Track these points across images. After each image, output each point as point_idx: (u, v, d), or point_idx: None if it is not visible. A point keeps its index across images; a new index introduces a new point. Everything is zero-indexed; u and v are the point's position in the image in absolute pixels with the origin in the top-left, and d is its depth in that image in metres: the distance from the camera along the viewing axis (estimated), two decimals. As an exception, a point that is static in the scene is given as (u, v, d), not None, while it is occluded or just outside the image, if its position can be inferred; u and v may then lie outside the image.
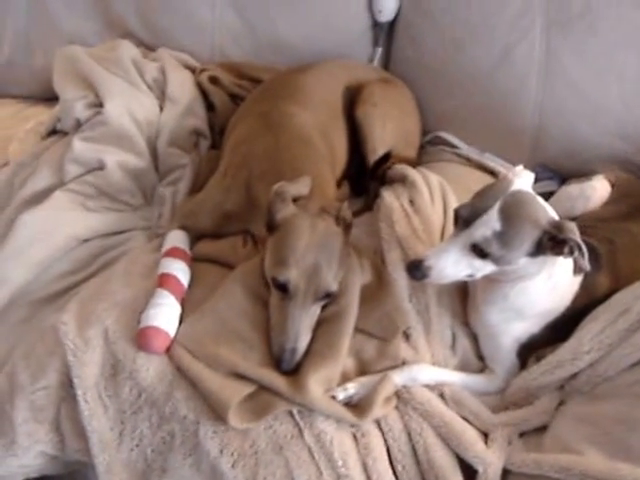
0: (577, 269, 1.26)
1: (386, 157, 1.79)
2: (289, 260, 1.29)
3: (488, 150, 1.90)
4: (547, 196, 1.66)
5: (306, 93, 1.76)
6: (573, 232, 1.19)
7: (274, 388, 1.27)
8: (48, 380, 1.38)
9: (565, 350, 1.27)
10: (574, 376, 1.27)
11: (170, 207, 1.79)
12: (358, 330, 1.37)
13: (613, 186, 1.61)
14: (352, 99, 1.83)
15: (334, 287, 1.33)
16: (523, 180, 1.28)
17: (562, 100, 1.75)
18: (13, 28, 2.33)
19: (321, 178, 1.53)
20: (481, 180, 1.71)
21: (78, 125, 1.89)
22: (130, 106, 1.88)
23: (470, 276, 1.27)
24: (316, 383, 1.26)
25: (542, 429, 1.29)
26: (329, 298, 1.34)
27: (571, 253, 1.20)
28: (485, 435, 1.30)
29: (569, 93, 1.73)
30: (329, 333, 1.33)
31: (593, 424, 1.19)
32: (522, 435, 1.30)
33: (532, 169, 1.79)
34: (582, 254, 1.19)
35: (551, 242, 1.20)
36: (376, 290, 1.43)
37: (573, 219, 1.54)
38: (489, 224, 1.20)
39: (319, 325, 1.35)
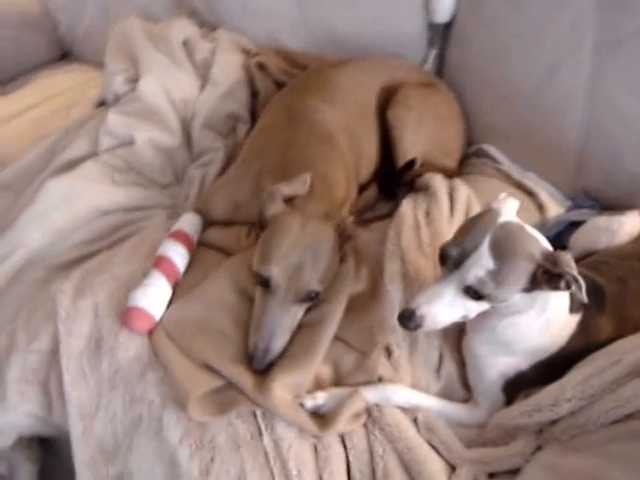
0: (574, 307, 1.16)
1: (411, 163, 1.71)
2: (273, 256, 1.27)
3: (530, 168, 1.77)
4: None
5: (336, 89, 1.71)
6: (569, 265, 1.08)
7: (240, 386, 1.24)
8: (41, 343, 1.42)
9: (546, 394, 1.17)
10: (554, 422, 1.17)
11: (197, 189, 1.79)
12: (339, 339, 1.33)
13: (647, 224, 1.47)
14: (388, 100, 1.75)
15: (317, 289, 1.29)
16: (508, 209, 1.17)
17: (607, 125, 1.60)
18: (95, -1, 2.42)
19: (331, 178, 1.49)
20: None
21: (117, 98, 1.92)
22: (167, 84, 1.89)
23: (464, 317, 1.17)
24: (282, 388, 1.23)
25: (514, 472, 1.19)
26: (312, 301, 1.31)
27: (568, 287, 1.09)
28: (453, 469, 1.23)
29: (614, 119, 1.58)
30: (306, 339, 1.29)
31: (562, 477, 1.09)
32: (492, 476, 1.22)
33: (575, 194, 1.71)
34: (579, 288, 1.08)
35: (546, 276, 1.10)
36: (366, 301, 1.38)
37: (594, 253, 1.43)
38: (481, 263, 1.09)
39: (298, 329, 1.31)
